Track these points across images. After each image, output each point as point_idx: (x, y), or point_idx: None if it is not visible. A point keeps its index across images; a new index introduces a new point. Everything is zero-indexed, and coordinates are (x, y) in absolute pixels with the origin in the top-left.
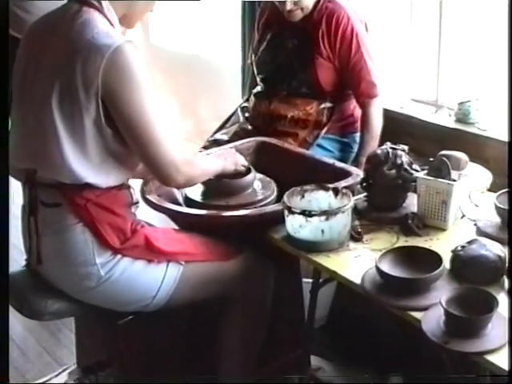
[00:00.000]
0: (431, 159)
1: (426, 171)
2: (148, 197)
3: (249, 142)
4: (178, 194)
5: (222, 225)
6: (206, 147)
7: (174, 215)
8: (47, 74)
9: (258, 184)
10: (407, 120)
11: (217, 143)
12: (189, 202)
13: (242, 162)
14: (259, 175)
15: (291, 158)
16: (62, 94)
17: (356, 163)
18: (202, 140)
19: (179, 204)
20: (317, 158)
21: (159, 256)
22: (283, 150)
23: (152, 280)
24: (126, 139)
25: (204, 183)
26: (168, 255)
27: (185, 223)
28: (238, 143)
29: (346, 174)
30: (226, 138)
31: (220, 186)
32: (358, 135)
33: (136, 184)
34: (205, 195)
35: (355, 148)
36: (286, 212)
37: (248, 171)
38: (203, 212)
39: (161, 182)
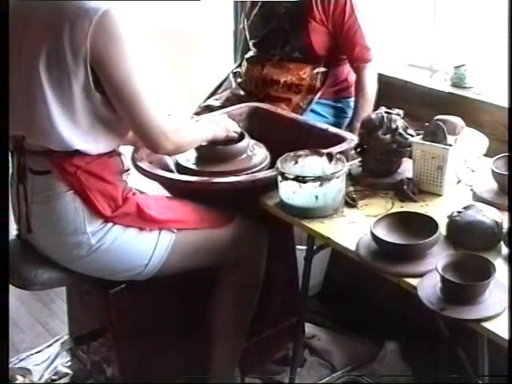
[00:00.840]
0: (427, 124)
1: (421, 136)
2: (139, 164)
3: (241, 108)
4: (170, 161)
5: (214, 191)
6: (197, 113)
7: (165, 182)
8: (34, 39)
9: (251, 150)
10: (402, 85)
11: (209, 109)
12: (181, 169)
13: (233, 128)
14: (252, 141)
15: (284, 123)
16: (49, 60)
17: (350, 128)
18: (193, 106)
19: (171, 171)
20: (310, 124)
21: (151, 224)
22: (276, 116)
23: (144, 248)
24: (114, 105)
25: (196, 149)
26: (160, 223)
27: (176, 190)
28: (230, 109)
29: (340, 140)
30: (217, 103)
31: (212, 153)
32: (352, 100)
33: (127, 151)
34: (197, 162)
35: (349, 113)
36: (280, 178)
37: (241, 137)
38: (195, 179)
39: (150, 150)
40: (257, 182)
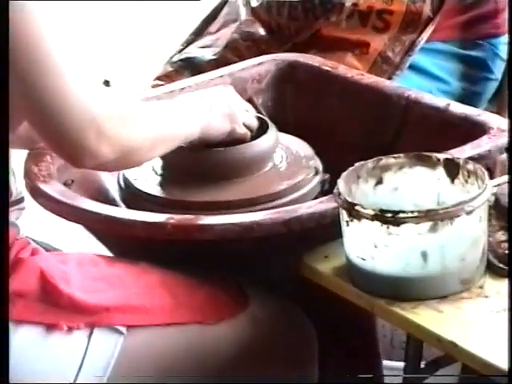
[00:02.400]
0: None
1: None
2: (42, 187)
3: (260, 65)
4: (110, 181)
5: (207, 245)
6: (166, 77)
7: (100, 226)
8: None
9: (283, 155)
10: None
11: (190, 67)
12: (133, 197)
13: (245, 115)
14: (284, 136)
15: (353, 96)
16: None
17: (498, 104)
18: (159, 61)
19: (111, 202)
20: (411, 96)
21: (72, 316)
22: (336, 80)
23: (57, 368)
24: None
25: (167, 158)
26: (90, 313)
27: (126, 242)
28: (236, 67)
29: (475, 130)
30: (209, 55)
31: (202, 164)
32: (503, 42)
33: (17, 160)
34: (169, 181)
35: (497, 71)
36: (345, 215)
37: (262, 130)
38: (164, 218)
39: (66, 159)
40: (295, 223)
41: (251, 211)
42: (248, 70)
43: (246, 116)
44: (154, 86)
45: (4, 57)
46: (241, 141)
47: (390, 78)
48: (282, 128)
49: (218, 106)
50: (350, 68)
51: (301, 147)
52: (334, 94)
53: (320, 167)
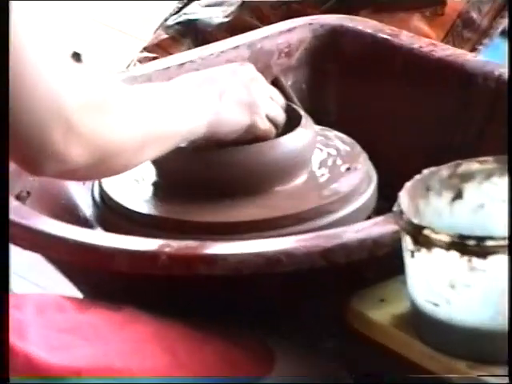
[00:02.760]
0: None
1: None
2: None
3: (290, 32)
4: (80, 192)
5: (217, 283)
6: (160, 46)
7: (66, 256)
8: None
9: (322, 158)
10: None
11: (193, 33)
12: (114, 216)
13: (269, 106)
14: (324, 133)
15: (423, 75)
16: None
17: None
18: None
19: (83, 222)
20: (503, 77)
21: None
22: (398, 54)
23: None
24: None
25: (161, 162)
26: (55, 378)
27: (103, 280)
28: (256, 35)
29: None
30: (218, 17)
31: (210, 169)
32: None
33: None
34: (165, 194)
35: None
36: (410, 242)
37: (293, 122)
38: (158, 246)
39: (20, 164)
40: (338, 253)
41: (278, 236)
42: (273, 39)
43: (271, 105)
44: (141, 61)
45: (4, 57)
46: (263, 139)
47: (474, 50)
48: (321, 120)
49: (232, 92)
50: (418, 35)
51: (347, 147)
52: (395, 72)
53: (374, 175)
